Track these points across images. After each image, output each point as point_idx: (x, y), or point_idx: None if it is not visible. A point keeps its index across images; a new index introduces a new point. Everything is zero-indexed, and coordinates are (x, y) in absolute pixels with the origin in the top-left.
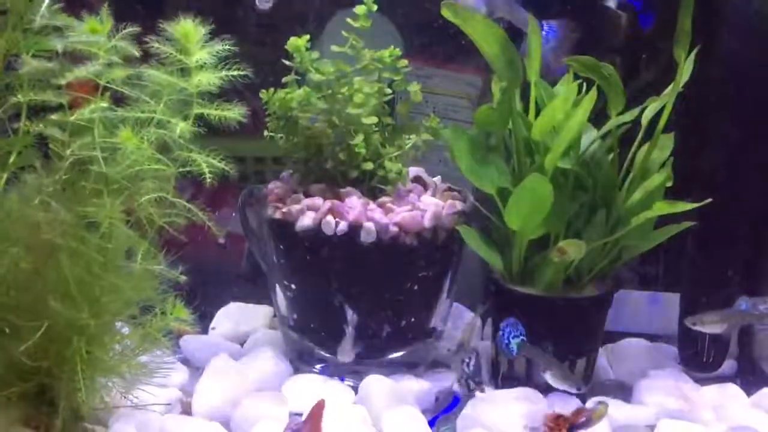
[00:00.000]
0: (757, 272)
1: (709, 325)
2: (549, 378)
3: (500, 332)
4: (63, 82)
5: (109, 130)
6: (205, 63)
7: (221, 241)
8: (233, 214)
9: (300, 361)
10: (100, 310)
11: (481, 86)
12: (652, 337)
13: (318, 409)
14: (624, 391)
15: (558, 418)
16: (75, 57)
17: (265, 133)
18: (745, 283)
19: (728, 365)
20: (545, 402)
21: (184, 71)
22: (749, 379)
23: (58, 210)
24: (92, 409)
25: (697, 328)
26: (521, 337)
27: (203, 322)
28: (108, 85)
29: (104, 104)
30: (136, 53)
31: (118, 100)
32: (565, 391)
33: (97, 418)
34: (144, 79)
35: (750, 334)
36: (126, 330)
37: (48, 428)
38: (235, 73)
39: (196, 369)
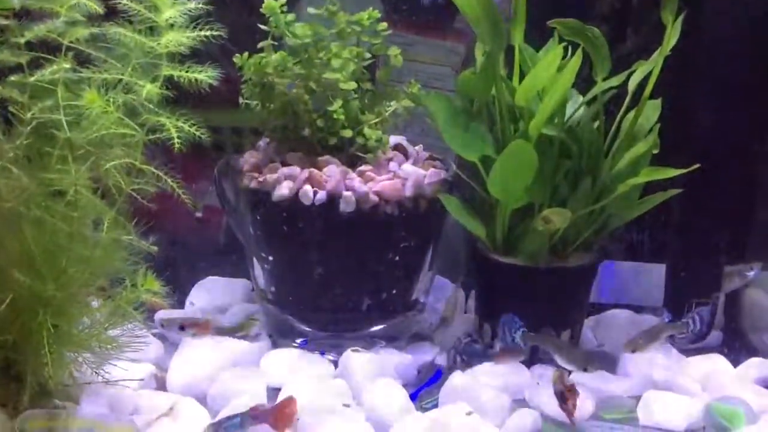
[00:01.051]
0: (744, 239)
1: (646, 346)
2: (558, 360)
3: (501, 332)
4: (22, 41)
5: (73, 93)
6: (175, 22)
7: (198, 214)
8: (211, 187)
9: (279, 335)
10: (66, 281)
11: (464, 54)
12: (637, 309)
13: (287, 407)
14: (609, 363)
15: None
16: (35, 14)
17: (240, 100)
18: (732, 251)
19: (714, 336)
20: (528, 374)
21: (153, 31)
22: (735, 349)
23: (20, 177)
24: (61, 385)
25: (637, 352)
26: (522, 329)
27: (178, 296)
28: (71, 44)
29: (67, 65)
30: (100, 10)
31: (82, 61)
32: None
33: (68, 394)
34: (109, 38)
35: (737, 305)
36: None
37: (15, 404)
38: (208, 33)
39: (171, 344)
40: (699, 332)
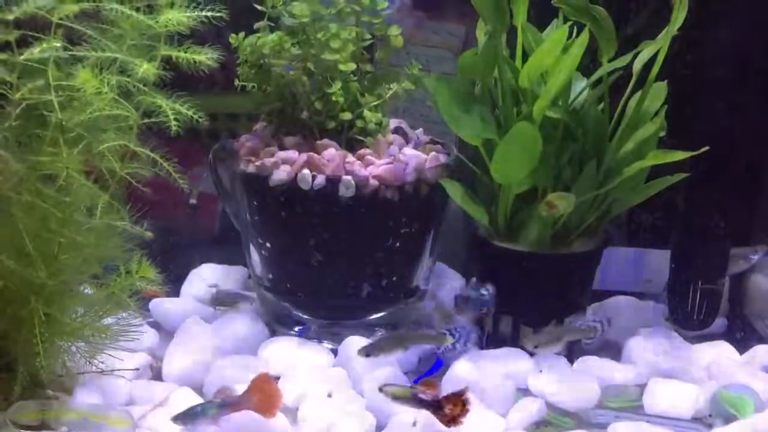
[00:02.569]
0: (749, 224)
1: (546, 345)
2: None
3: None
4: (9, 17)
5: (64, 73)
6: (174, 1)
7: (193, 201)
8: (205, 174)
9: (277, 323)
10: (58, 268)
11: (464, 36)
12: (641, 295)
13: (265, 384)
14: (613, 350)
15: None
16: None
17: (236, 82)
18: (737, 236)
19: (719, 323)
20: (530, 362)
21: (151, 9)
22: (740, 336)
23: (8, 160)
24: (54, 375)
25: (538, 350)
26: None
27: (175, 284)
28: (61, 22)
29: (57, 43)
30: None
31: (75, 40)
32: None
33: (61, 384)
34: (105, 16)
35: (741, 291)
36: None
37: (6, 395)
38: (209, 14)
39: (167, 333)
40: (704, 319)
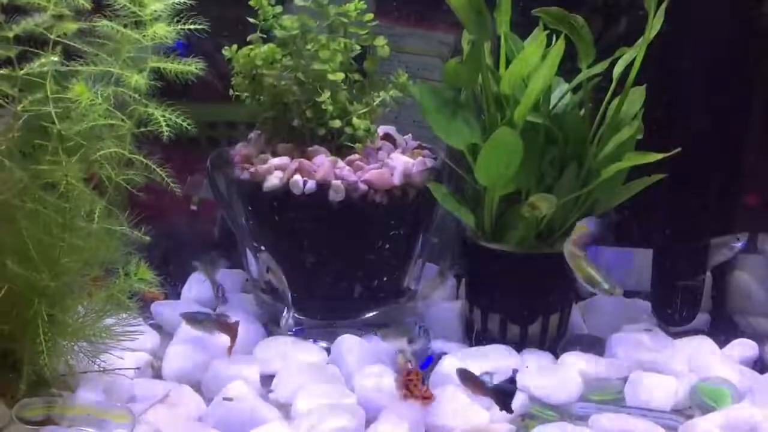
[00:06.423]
0: (729, 220)
1: None
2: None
3: None
4: (10, 35)
5: (61, 86)
6: (160, 15)
7: (193, 207)
8: (205, 180)
9: (273, 323)
10: (60, 271)
11: (453, 44)
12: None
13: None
14: (597, 346)
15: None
16: (22, 9)
17: (231, 92)
18: (718, 232)
19: (702, 319)
20: (518, 358)
21: (138, 25)
22: (722, 331)
23: (12, 169)
24: (57, 374)
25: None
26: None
27: (175, 288)
28: (59, 39)
29: (54, 58)
30: (88, 5)
31: (71, 55)
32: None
33: (64, 383)
34: (97, 32)
35: (724, 288)
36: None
37: (12, 393)
38: (193, 27)
39: (168, 335)
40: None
